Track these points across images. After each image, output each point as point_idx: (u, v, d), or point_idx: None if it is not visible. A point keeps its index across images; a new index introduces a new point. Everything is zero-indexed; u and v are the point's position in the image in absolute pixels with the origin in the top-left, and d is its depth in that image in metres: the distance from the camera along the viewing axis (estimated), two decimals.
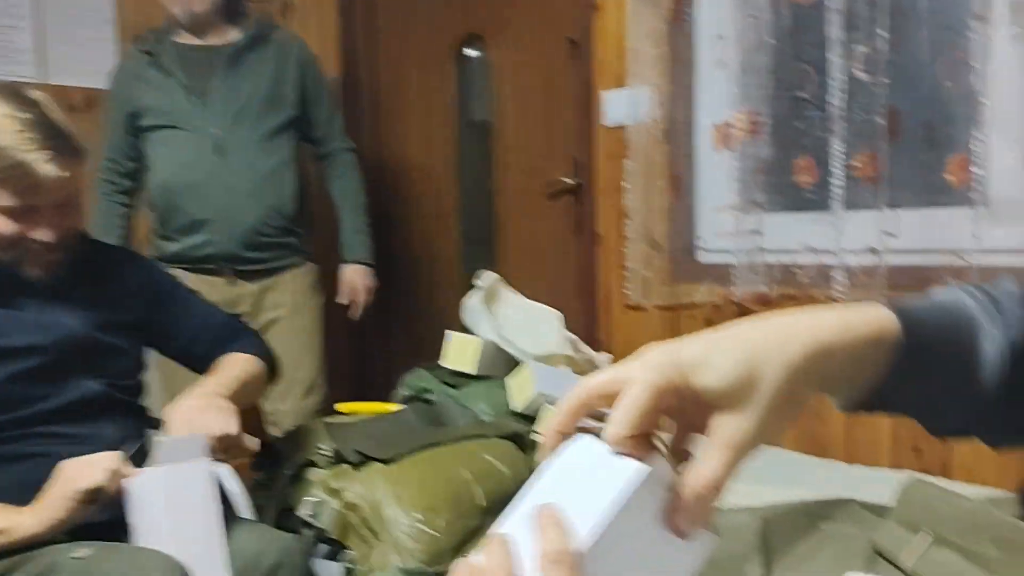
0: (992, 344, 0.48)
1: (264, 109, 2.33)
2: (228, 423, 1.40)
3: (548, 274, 2.63)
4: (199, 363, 1.67)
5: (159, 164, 2.33)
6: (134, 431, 1.58)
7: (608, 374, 0.51)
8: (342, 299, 2.45)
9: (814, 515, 1.31)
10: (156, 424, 1.63)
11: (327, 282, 2.49)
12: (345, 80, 3.05)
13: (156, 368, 1.99)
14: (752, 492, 1.44)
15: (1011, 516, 1.12)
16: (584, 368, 2.05)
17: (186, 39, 2.36)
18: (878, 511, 1.29)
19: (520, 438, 1.71)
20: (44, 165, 1.38)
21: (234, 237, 2.28)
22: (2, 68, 2.54)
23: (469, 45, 2.82)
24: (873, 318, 0.47)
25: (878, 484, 1.47)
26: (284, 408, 2.32)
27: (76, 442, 1.45)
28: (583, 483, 0.48)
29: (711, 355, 0.46)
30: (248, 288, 2.35)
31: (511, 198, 2.73)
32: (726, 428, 0.46)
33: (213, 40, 2.36)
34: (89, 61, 2.71)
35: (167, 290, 1.72)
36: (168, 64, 2.32)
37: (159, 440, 1.29)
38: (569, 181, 2.48)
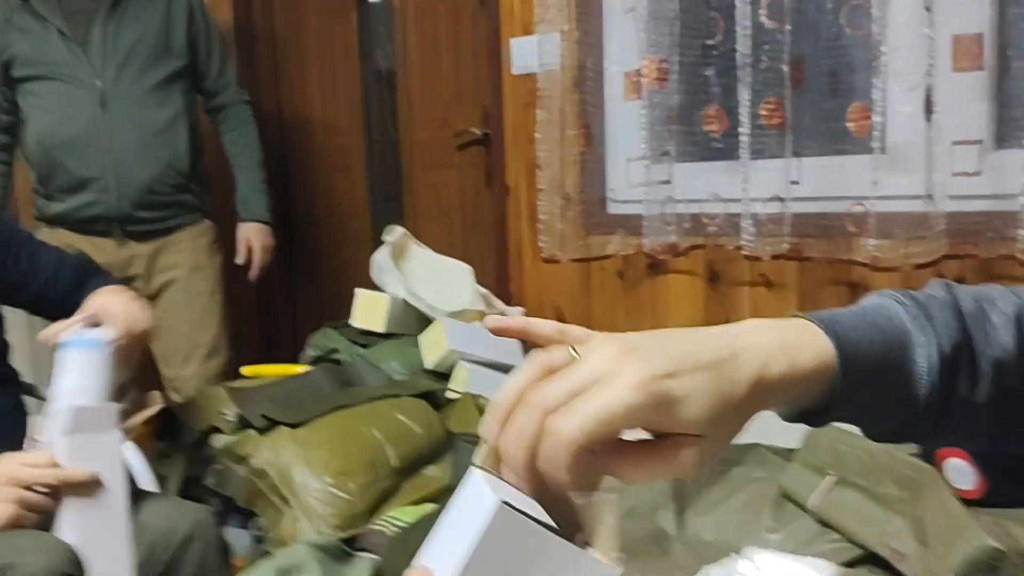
0: (923, 357, 0.51)
1: (151, 58, 2.18)
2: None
3: (458, 227, 2.59)
4: (57, 308, 1.53)
5: (36, 118, 2.16)
6: (6, 399, 1.46)
7: (581, 369, 0.46)
8: (240, 259, 2.34)
9: (725, 461, 1.34)
10: (29, 389, 1.53)
11: (227, 240, 2.39)
12: (238, 26, 2.90)
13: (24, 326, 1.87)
14: None
15: (909, 457, 1.16)
16: None
17: None
18: (785, 455, 1.32)
19: (433, 396, 1.68)
20: None
21: (125, 196, 2.14)
22: None
23: None
24: (815, 353, 0.49)
25: (785, 429, 1.50)
26: (185, 373, 2.22)
27: None
28: (458, 524, 0.46)
29: (693, 391, 0.46)
30: (140, 249, 2.22)
31: (419, 150, 2.66)
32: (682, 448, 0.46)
33: None
34: None
35: (9, 236, 1.57)
36: (43, 9, 2.14)
37: (70, 407, 1.20)
38: (478, 131, 2.43)
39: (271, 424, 1.48)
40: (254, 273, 2.36)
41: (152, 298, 2.25)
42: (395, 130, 2.72)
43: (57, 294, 1.54)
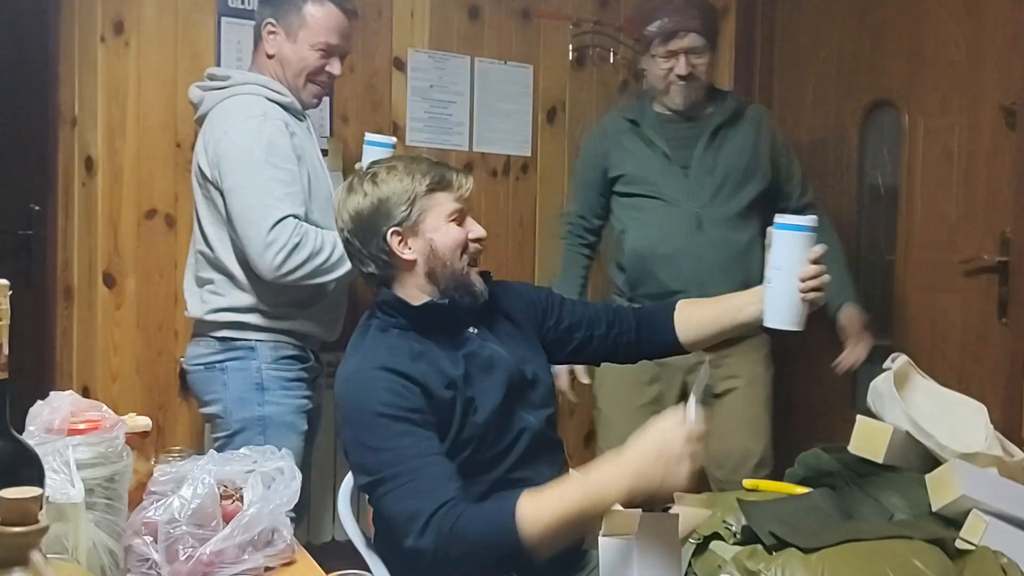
0: None
1: (740, 183, 2.32)
2: None
3: (955, 357, 2.42)
4: (614, 336, 1.72)
5: (635, 231, 2.36)
6: (560, 470, 1.62)
7: None
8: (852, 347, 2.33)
9: None
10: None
11: (780, 354, 2.43)
12: None
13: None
14: None
15: None
16: (1015, 472, 1.84)
17: (666, 109, 2.40)
18: None
19: (943, 544, 1.58)
20: (459, 174, 1.58)
21: None
22: (442, 138, 2.93)
23: (876, 111, 2.70)
24: None
25: None
26: (736, 479, 2.26)
27: (522, 486, 1.49)
28: None
29: None
30: (704, 356, 2.29)
31: (916, 272, 2.55)
32: None
33: (692, 111, 2.38)
34: (508, 131, 3.03)
35: (544, 296, 1.75)
36: (652, 135, 2.36)
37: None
38: (991, 259, 2.27)
39: (779, 543, 1.51)
40: (856, 358, 2.36)
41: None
42: (891, 248, 2.64)
43: (602, 329, 1.72)
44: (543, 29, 3.06)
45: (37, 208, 2.68)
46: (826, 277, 1.51)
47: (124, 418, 1.19)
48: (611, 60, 3.13)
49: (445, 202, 1.56)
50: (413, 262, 1.55)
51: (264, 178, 1.91)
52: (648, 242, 2.33)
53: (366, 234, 1.55)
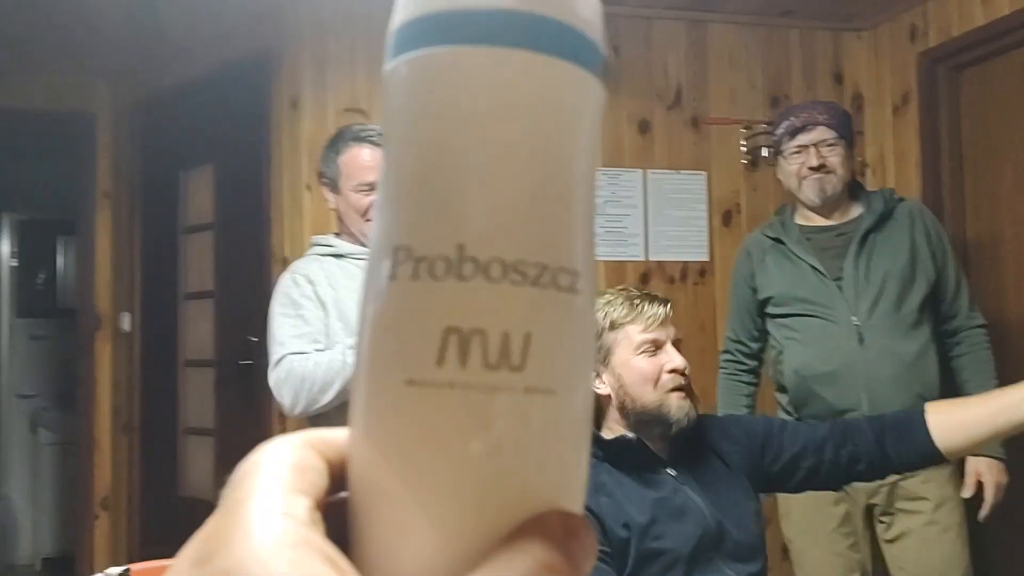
0: None
1: (902, 290, 2.16)
2: None
3: None
4: (848, 457, 1.57)
5: (794, 351, 2.23)
6: None
7: None
8: (966, 492, 2.17)
9: None
10: None
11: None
12: None
13: None
14: None
15: None
16: None
17: (809, 220, 2.29)
18: None
19: None
20: (651, 303, 1.55)
21: None
22: (618, 251, 2.99)
23: None
24: None
25: None
26: None
27: None
28: None
29: None
30: (887, 479, 2.13)
31: None
32: None
33: (837, 218, 2.27)
34: (683, 238, 3.05)
35: (761, 428, 1.64)
36: (797, 249, 2.25)
37: None
38: None
39: None
40: (983, 513, 2.18)
41: (891, 529, 2.24)
42: None
43: (829, 454, 1.57)
44: (713, 135, 3.09)
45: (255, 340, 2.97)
46: None
47: None
48: None
49: (633, 335, 1.53)
50: (608, 396, 1.55)
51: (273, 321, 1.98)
52: (807, 361, 2.20)
53: None
